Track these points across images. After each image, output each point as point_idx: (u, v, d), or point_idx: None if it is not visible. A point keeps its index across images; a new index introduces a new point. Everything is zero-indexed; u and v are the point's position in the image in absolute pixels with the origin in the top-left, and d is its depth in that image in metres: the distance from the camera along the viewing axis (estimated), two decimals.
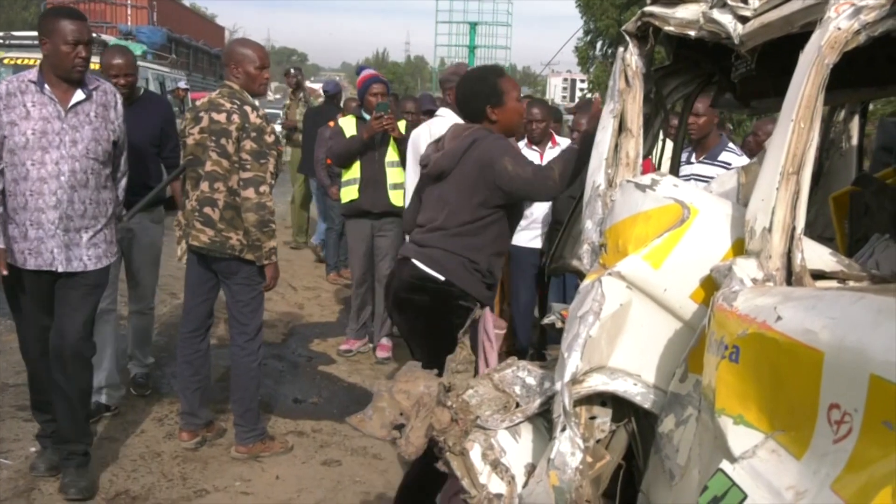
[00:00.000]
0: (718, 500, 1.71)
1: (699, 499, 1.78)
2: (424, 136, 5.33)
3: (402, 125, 6.48)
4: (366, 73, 6.75)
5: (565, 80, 67.64)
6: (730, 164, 5.26)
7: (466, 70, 5.27)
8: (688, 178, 5.06)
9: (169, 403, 5.43)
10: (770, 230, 2.07)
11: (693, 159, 5.28)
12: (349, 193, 6.60)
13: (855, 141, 4.01)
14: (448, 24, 46.66)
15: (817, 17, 2.17)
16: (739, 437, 1.80)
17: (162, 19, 27.89)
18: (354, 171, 6.54)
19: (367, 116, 6.49)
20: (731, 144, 5.50)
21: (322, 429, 5.31)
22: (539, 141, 6.10)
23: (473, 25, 45.39)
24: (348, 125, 6.68)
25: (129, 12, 27.52)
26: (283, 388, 6.03)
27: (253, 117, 4.51)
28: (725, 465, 1.77)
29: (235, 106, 4.53)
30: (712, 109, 5.04)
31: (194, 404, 4.84)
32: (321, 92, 11.71)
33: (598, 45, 29.94)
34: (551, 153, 6.02)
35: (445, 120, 5.22)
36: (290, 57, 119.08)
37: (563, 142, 6.41)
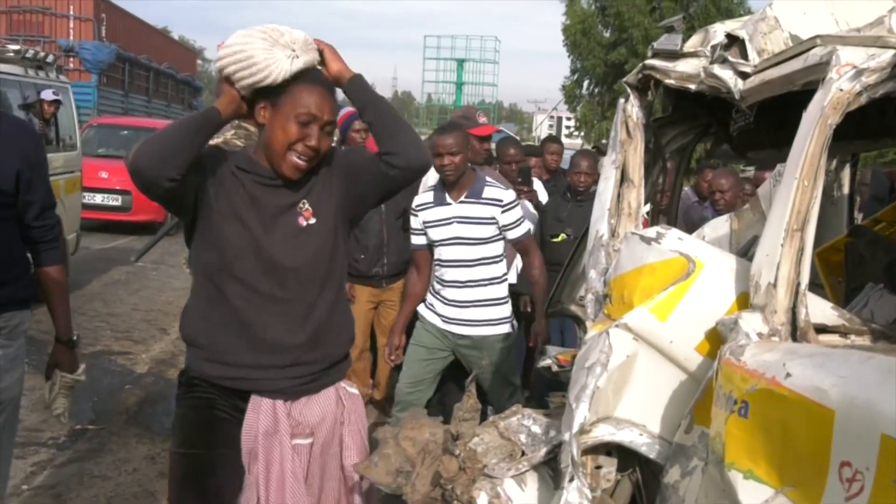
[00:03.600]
0: None
1: None
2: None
3: None
4: (345, 111, 6.81)
5: (551, 117, 68.10)
6: (500, 200, 4.40)
7: (475, 112, 5.29)
8: (449, 220, 4.44)
9: (161, 441, 5.37)
10: (775, 285, 2.12)
11: (450, 200, 4.49)
12: None
13: (846, 190, 4.08)
14: (436, 61, 47.19)
15: (819, 76, 2.23)
16: (749, 492, 1.83)
17: (112, 35, 23.28)
18: None
19: None
20: (488, 178, 4.58)
21: None
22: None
23: (461, 62, 45.86)
24: None
25: (70, 24, 22.32)
26: None
27: None
28: None
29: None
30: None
31: None
32: None
33: (585, 83, 30.24)
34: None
35: None
36: None
37: (537, 184, 6.44)
